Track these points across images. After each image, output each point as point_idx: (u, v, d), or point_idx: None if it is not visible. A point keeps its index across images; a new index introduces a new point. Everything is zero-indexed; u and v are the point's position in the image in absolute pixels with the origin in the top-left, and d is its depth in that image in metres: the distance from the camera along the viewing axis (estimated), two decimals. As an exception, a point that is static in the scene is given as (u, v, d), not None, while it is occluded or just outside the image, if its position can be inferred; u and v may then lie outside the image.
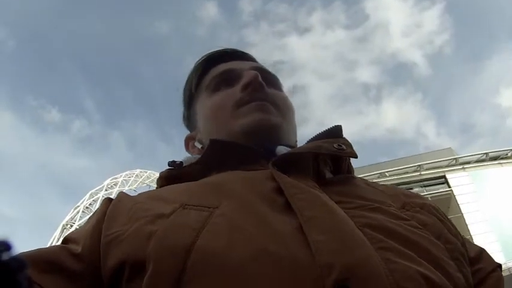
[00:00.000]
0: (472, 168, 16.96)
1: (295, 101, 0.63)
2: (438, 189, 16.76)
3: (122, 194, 0.47)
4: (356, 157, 0.50)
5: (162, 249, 0.34)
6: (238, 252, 0.33)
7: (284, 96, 0.62)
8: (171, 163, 0.55)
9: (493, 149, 17.45)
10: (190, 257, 0.33)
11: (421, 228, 0.40)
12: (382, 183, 0.55)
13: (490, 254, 0.48)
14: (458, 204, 15.77)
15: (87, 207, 21.60)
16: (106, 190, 22.59)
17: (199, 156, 0.54)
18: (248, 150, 0.51)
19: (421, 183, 17.07)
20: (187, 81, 0.66)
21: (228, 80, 0.59)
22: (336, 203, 0.40)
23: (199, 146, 0.61)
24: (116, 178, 23.91)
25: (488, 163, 17.02)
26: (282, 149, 0.52)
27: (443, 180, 17.10)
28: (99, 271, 0.38)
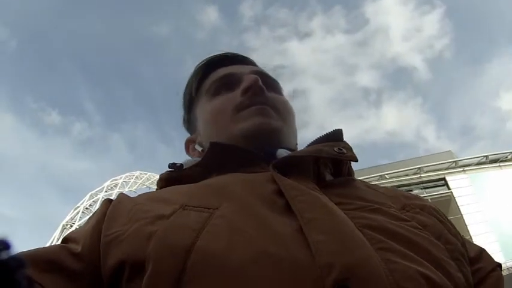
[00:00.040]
0: (472, 171, 16.97)
1: (295, 105, 0.63)
2: (438, 191, 16.76)
3: (121, 195, 0.47)
4: (356, 161, 0.50)
5: (162, 249, 0.34)
6: (238, 254, 0.33)
7: (284, 100, 0.62)
8: (172, 165, 0.55)
9: (493, 151, 17.46)
10: (190, 258, 0.33)
11: (421, 229, 0.40)
12: (383, 185, 0.55)
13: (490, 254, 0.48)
14: (458, 206, 15.77)
15: (87, 208, 21.59)
16: (106, 191, 22.58)
17: (199, 159, 0.55)
18: (248, 153, 0.51)
19: (421, 185, 17.07)
20: (187, 85, 0.67)
21: (228, 84, 0.59)
22: (336, 204, 0.40)
23: (199, 149, 0.61)
24: (116, 180, 23.91)
25: (488, 166, 17.03)
26: (282, 152, 0.52)
27: (443, 183, 17.11)
28: (98, 271, 0.38)
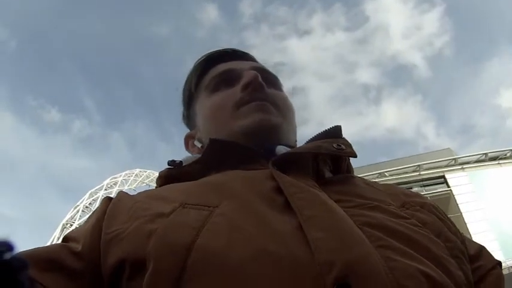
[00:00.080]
0: (471, 169, 16.97)
1: (295, 102, 0.63)
2: (437, 189, 16.77)
3: (121, 193, 0.47)
4: (355, 156, 0.50)
5: (162, 248, 0.34)
6: (238, 251, 0.33)
7: (284, 96, 0.62)
8: (171, 162, 0.55)
9: (492, 149, 17.48)
10: (190, 256, 0.33)
11: (421, 227, 0.40)
12: (382, 183, 0.55)
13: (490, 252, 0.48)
14: (457, 204, 15.78)
15: (86, 207, 21.58)
16: (105, 189, 22.57)
17: (199, 155, 0.55)
18: (248, 150, 0.51)
19: (420, 183, 17.08)
20: (186, 81, 0.66)
21: (227, 80, 0.59)
22: (335, 201, 0.40)
23: (199, 145, 0.61)
24: (115, 178, 23.89)
25: (487, 163, 17.03)
26: (281, 149, 0.52)
27: (443, 180, 17.11)
28: (99, 269, 0.38)
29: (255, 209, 0.38)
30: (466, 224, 14.76)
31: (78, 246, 0.40)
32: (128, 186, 23.16)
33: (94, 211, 0.46)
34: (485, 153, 17.27)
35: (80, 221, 20.30)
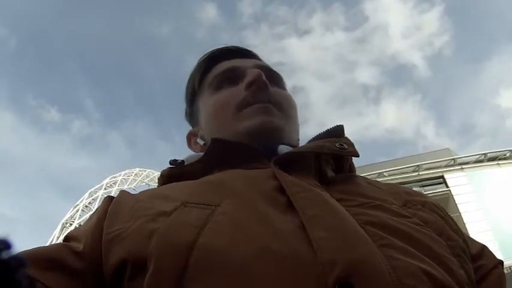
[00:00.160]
0: (470, 169, 16.99)
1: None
2: (436, 189, 16.78)
3: (123, 193, 0.47)
4: (358, 156, 0.50)
5: (163, 247, 0.34)
6: (240, 250, 0.33)
7: (287, 94, 0.61)
8: (173, 162, 0.54)
9: (491, 149, 17.50)
10: (192, 255, 0.33)
11: (422, 226, 0.40)
12: (382, 182, 0.55)
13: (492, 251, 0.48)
14: (456, 204, 15.80)
15: (86, 206, 21.58)
16: (105, 189, 22.57)
17: (201, 153, 0.54)
18: (250, 149, 0.50)
19: (420, 183, 17.09)
20: (189, 78, 0.66)
21: (231, 78, 0.59)
22: (337, 200, 0.40)
23: (201, 142, 0.61)
24: (115, 177, 23.89)
25: (487, 164, 17.05)
26: (283, 148, 0.52)
27: (442, 181, 17.13)
28: (100, 269, 0.38)
29: (257, 207, 0.38)
30: (465, 224, 14.78)
31: (79, 246, 0.40)
32: (128, 185, 23.16)
33: (95, 210, 0.46)
34: (485, 154, 17.29)
35: (80, 220, 20.30)
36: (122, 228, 0.39)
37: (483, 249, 0.47)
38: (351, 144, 0.50)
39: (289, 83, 0.66)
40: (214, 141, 0.50)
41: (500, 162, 16.94)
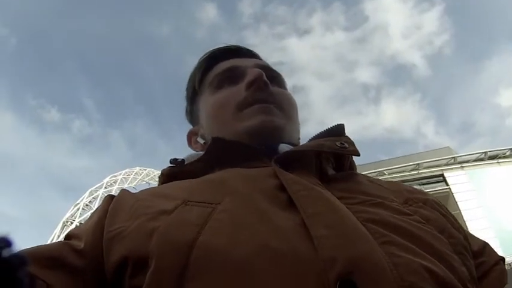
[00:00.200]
0: (470, 167, 17.01)
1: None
2: (436, 187, 16.80)
3: (123, 191, 0.47)
4: (359, 155, 0.50)
5: (164, 245, 0.34)
6: (241, 248, 0.33)
7: (288, 94, 0.61)
8: (173, 161, 0.54)
9: (491, 148, 17.50)
10: (192, 253, 0.33)
11: (424, 223, 0.40)
12: (383, 181, 0.55)
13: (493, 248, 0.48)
14: (456, 202, 15.83)
15: (87, 205, 21.60)
16: (105, 188, 22.58)
17: (201, 152, 0.54)
18: (250, 148, 0.50)
19: (420, 181, 17.11)
20: (190, 77, 0.66)
21: (231, 77, 0.59)
22: (338, 198, 0.40)
23: (201, 141, 0.61)
24: (115, 176, 23.90)
25: (487, 162, 17.07)
26: (284, 147, 0.52)
27: (442, 179, 17.15)
28: (101, 267, 0.38)
29: (258, 206, 0.38)
30: (465, 221, 14.80)
31: (80, 244, 0.40)
32: (128, 184, 23.19)
33: (96, 209, 0.46)
34: (485, 152, 17.31)
35: (80, 218, 20.32)
36: (122, 227, 0.39)
37: (485, 246, 0.47)
38: (352, 143, 0.50)
39: (289, 82, 0.66)
40: (215, 140, 0.50)
41: (500, 160, 16.96)
